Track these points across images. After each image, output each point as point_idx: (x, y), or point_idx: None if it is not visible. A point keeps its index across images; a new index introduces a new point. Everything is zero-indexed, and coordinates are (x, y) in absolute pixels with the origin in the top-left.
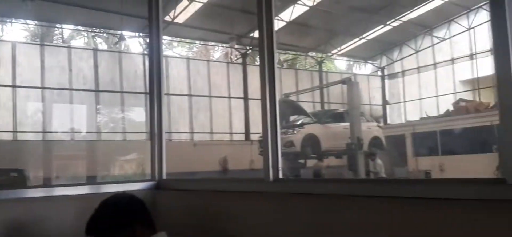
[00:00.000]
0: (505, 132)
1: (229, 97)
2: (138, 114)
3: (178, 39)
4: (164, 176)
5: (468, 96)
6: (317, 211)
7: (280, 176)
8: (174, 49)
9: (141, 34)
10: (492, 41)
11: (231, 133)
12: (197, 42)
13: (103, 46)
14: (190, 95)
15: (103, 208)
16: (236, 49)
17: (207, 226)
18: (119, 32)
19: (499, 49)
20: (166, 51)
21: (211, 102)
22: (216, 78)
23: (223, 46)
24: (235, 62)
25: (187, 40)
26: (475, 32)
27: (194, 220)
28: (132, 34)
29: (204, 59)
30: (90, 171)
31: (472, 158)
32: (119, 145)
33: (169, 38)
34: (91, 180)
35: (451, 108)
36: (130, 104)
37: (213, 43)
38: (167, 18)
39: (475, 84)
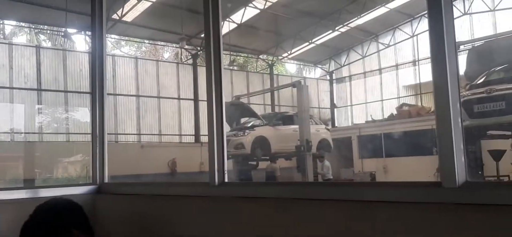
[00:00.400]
0: (441, 137)
1: (179, 98)
2: (83, 115)
3: (126, 38)
4: (106, 180)
5: (411, 100)
6: (263, 215)
7: (226, 179)
8: (122, 48)
9: (87, 32)
10: (430, 49)
11: (180, 135)
12: (146, 41)
13: (47, 43)
14: (138, 96)
15: (38, 213)
16: (186, 49)
17: (149, 231)
18: (63, 29)
19: (436, 57)
20: (113, 50)
21: (159, 103)
22: (165, 78)
23: (173, 46)
24: (185, 62)
25: (136, 39)
26: (418, 39)
27: (136, 225)
28: (78, 31)
29: (153, 59)
30: (31, 173)
31: (414, 160)
32: (62, 147)
33: (117, 36)
34: (31, 183)
35: (394, 112)
36: (75, 104)
37: (162, 43)
38: (114, 16)
39: (418, 89)
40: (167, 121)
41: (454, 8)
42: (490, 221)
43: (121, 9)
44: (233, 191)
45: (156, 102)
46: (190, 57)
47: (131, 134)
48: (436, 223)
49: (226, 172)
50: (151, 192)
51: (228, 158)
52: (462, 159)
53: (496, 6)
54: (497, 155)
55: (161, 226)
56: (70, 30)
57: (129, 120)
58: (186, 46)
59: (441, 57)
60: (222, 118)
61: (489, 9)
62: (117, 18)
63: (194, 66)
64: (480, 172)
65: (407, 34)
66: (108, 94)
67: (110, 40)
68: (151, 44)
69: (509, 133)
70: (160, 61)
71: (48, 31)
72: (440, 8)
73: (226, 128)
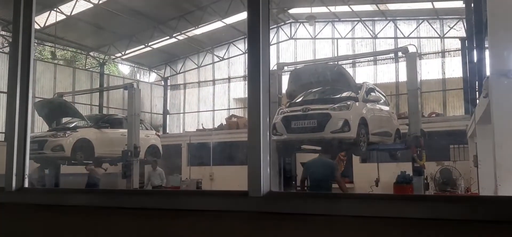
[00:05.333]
0: (250, 149)
1: None
2: None
3: None
4: None
5: (239, 112)
6: (66, 224)
7: (26, 184)
8: None
9: None
10: (247, 70)
11: None
12: None
13: None
14: None
15: None
16: (3, 36)
17: None
18: None
19: (252, 77)
20: None
21: None
22: None
23: None
24: (0, 50)
25: None
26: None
27: None
28: None
29: None
30: None
31: (239, 169)
32: None
33: None
34: None
35: (224, 122)
36: None
37: None
38: None
39: (246, 102)
40: None
41: (281, 31)
42: (287, 228)
43: None
44: (32, 198)
45: None
46: (6, 44)
47: None
48: (242, 230)
49: (26, 176)
50: None
51: (43, 161)
52: (268, 171)
53: (317, 34)
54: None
55: None
56: None
57: None
58: (3, 32)
59: (256, 78)
60: (26, 116)
61: (311, 37)
62: None
63: (10, 55)
64: (293, 182)
65: (240, 50)
66: None
67: None
68: None
69: (319, 148)
70: None
71: None
72: (258, 35)
73: (37, 127)
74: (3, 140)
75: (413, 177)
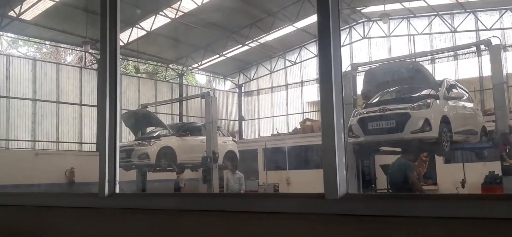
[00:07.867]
0: (326, 152)
1: (80, 104)
2: None
3: (24, 37)
4: None
5: (313, 116)
6: (155, 226)
7: (117, 190)
8: (20, 49)
9: None
10: (319, 72)
11: (80, 143)
12: (47, 42)
13: None
14: (34, 100)
15: None
16: (90, 54)
17: None
18: None
19: (323, 79)
20: (9, 50)
21: (59, 108)
22: (66, 83)
23: (77, 50)
24: (89, 67)
25: (35, 40)
26: None
27: None
28: None
29: (54, 62)
30: None
31: (315, 172)
32: None
33: (14, 35)
34: None
35: (298, 126)
36: None
37: (65, 46)
38: (11, 13)
39: (320, 105)
40: (67, 128)
41: (354, 31)
42: (365, 230)
43: (19, 6)
44: (123, 203)
45: (55, 107)
46: (94, 61)
47: (25, 140)
48: (319, 232)
49: (117, 182)
50: (32, 203)
51: (131, 168)
52: (344, 172)
53: (391, 32)
54: (387, 169)
55: None
56: None
57: (23, 125)
58: (91, 50)
59: (328, 80)
60: (116, 126)
61: (385, 35)
62: (15, 15)
63: (99, 71)
64: (373, 185)
65: (312, 53)
66: None
67: (6, 38)
68: (53, 46)
69: (398, 149)
70: (61, 64)
71: None
72: (328, 37)
73: (124, 137)
74: (95, 150)
75: (502, 177)
